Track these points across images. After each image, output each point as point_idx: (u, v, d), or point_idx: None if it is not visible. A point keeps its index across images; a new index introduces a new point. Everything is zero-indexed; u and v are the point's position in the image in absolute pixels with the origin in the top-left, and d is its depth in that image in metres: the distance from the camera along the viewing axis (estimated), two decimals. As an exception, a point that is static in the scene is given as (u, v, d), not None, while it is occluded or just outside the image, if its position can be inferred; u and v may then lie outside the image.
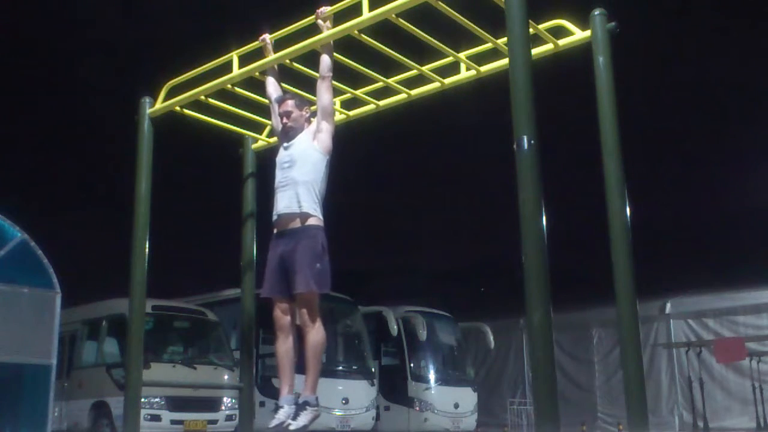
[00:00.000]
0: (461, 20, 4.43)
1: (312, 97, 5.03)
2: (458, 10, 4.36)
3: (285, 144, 4.71)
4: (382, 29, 4.49)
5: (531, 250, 3.39)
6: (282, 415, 4.36)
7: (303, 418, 4.30)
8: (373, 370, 12.79)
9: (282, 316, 4.52)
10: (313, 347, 4.36)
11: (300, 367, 4.49)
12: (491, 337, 14.90)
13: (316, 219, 4.46)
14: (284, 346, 4.52)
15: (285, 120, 4.70)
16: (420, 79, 5.39)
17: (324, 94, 4.61)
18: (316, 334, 4.36)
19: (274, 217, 4.57)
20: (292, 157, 4.58)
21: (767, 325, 14.21)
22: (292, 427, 4.27)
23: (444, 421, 13.26)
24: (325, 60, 4.62)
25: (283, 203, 4.50)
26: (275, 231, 4.59)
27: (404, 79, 5.41)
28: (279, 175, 4.61)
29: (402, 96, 5.49)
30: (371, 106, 5.64)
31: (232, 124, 6.06)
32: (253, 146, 6.22)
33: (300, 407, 4.34)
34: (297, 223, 4.45)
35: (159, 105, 5.59)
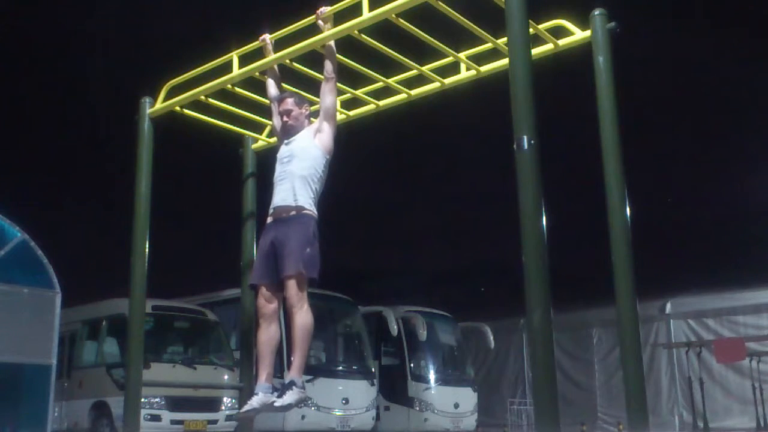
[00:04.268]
0: (461, 20, 4.44)
1: (312, 97, 5.04)
2: (458, 10, 4.36)
3: (286, 140, 4.76)
4: (382, 29, 4.50)
5: (531, 250, 3.39)
6: (255, 401, 4.32)
7: (289, 397, 4.26)
8: (373, 370, 12.77)
9: (266, 303, 4.51)
10: (301, 329, 4.32)
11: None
12: (491, 337, 14.88)
13: (310, 212, 4.50)
14: (266, 334, 4.50)
15: (285, 118, 4.74)
16: (420, 79, 5.40)
17: (327, 95, 4.64)
18: (304, 316, 4.32)
19: (270, 210, 4.61)
20: (292, 152, 4.62)
21: (767, 325, 14.21)
22: (277, 404, 4.24)
23: (444, 421, 13.25)
24: (330, 62, 4.65)
25: (280, 196, 4.55)
26: (269, 220, 4.62)
27: (404, 79, 5.43)
28: (278, 169, 4.66)
29: (402, 96, 5.50)
30: (371, 106, 5.65)
31: (232, 124, 6.07)
32: (253, 146, 6.23)
33: (286, 386, 4.30)
34: (291, 213, 4.49)
35: (159, 105, 5.60)
